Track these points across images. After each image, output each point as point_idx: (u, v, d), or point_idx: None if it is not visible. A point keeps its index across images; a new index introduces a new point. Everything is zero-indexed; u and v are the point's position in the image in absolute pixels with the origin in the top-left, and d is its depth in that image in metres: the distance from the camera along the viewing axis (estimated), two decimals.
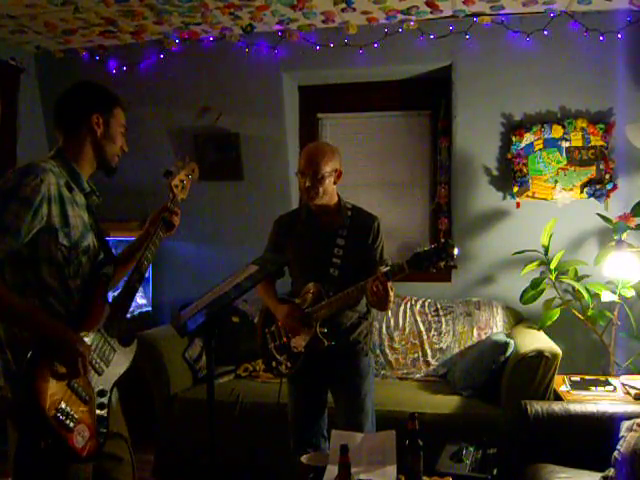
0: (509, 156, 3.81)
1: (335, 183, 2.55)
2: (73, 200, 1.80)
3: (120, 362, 1.90)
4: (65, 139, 1.88)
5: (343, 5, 3.59)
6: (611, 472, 2.18)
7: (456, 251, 2.23)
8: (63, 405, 1.64)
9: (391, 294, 2.30)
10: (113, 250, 2.04)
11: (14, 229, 1.64)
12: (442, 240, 2.30)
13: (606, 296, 3.32)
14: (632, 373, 3.31)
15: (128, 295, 1.92)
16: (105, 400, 1.81)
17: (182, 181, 2.14)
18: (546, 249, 3.54)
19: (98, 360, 1.80)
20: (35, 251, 1.70)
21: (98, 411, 1.77)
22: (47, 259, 1.72)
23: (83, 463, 1.71)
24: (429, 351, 3.66)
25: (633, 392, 2.97)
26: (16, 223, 1.63)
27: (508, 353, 3.23)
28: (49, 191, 1.70)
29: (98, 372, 1.80)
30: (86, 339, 1.74)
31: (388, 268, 2.30)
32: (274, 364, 2.64)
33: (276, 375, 2.68)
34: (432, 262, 2.22)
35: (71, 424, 1.64)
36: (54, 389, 1.64)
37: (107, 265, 1.90)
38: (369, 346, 2.66)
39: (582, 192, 3.73)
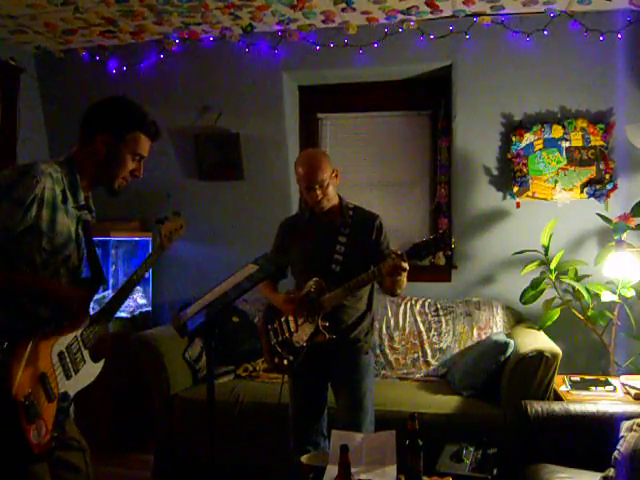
0: (509, 156, 3.81)
1: (334, 183, 2.61)
2: (65, 210, 1.80)
3: (86, 375, 1.90)
4: (78, 148, 1.89)
5: (343, 5, 3.60)
6: (611, 472, 2.18)
7: (453, 241, 2.29)
8: (31, 395, 1.65)
9: (405, 273, 2.33)
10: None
11: (3, 227, 1.66)
12: (440, 231, 2.35)
13: (606, 296, 3.32)
14: (632, 373, 3.30)
15: (109, 313, 1.94)
16: (66, 405, 1.80)
17: (170, 232, 2.13)
18: (546, 249, 3.54)
19: (69, 364, 1.81)
20: (17, 249, 1.72)
21: (58, 414, 1.76)
22: (26, 259, 1.74)
23: (34, 461, 1.69)
24: (429, 351, 3.66)
25: (633, 392, 2.96)
26: (7, 222, 1.66)
27: (508, 353, 3.23)
28: (42, 193, 1.71)
29: (67, 375, 1.80)
30: (65, 340, 1.78)
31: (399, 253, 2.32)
32: (277, 360, 2.65)
33: (278, 371, 2.70)
34: (430, 252, 2.27)
35: (33, 416, 1.64)
36: (26, 379, 1.65)
37: (93, 283, 1.91)
38: (369, 345, 2.67)
39: (582, 192, 3.73)
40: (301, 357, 2.55)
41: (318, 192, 2.55)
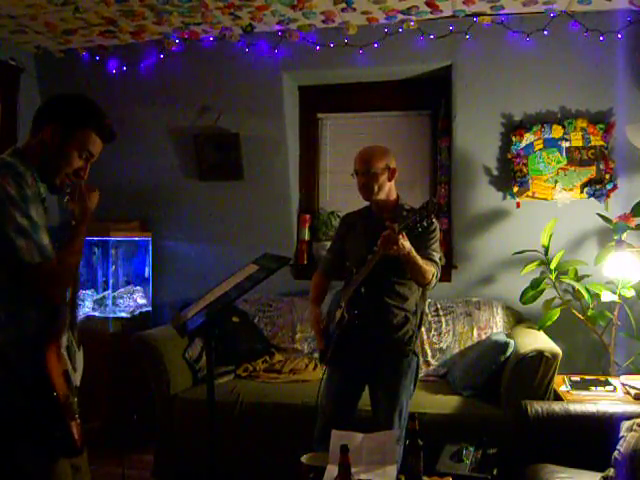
0: (509, 156, 3.81)
1: (390, 180, 2.66)
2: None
3: (80, 364, 1.92)
4: (27, 139, 1.81)
5: (343, 5, 3.60)
6: (611, 472, 2.18)
7: (438, 206, 2.42)
8: (68, 394, 1.69)
9: (402, 242, 2.33)
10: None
11: (35, 224, 1.63)
12: (427, 199, 2.39)
13: (606, 296, 3.32)
14: (632, 373, 3.30)
15: (76, 299, 1.94)
16: (78, 398, 1.82)
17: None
18: (546, 249, 3.54)
19: (72, 357, 1.83)
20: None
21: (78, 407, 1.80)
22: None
23: (78, 455, 1.73)
24: (429, 351, 3.66)
25: (633, 392, 2.96)
26: (34, 219, 1.63)
27: (508, 353, 3.23)
28: (30, 189, 1.67)
29: (74, 368, 1.82)
30: (65, 335, 1.79)
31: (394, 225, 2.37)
32: (319, 348, 2.76)
33: (322, 361, 2.80)
34: (416, 220, 2.33)
35: (73, 414, 1.68)
36: (60, 379, 1.68)
37: None
38: (412, 348, 2.66)
39: (582, 192, 3.73)
40: (333, 342, 2.60)
41: (362, 179, 2.61)
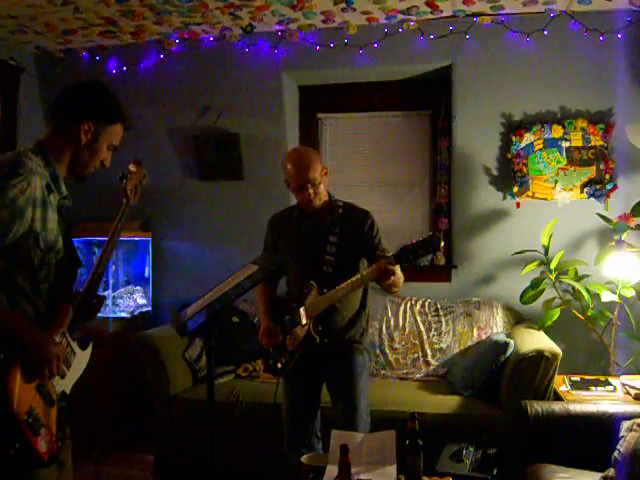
0: (509, 156, 3.81)
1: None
2: (50, 203, 1.73)
3: (78, 366, 1.87)
4: (51, 133, 1.80)
5: (343, 5, 3.60)
6: (611, 472, 2.18)
7: (442, 244, 2.27)
8: (33, 410, 1.61)
9: (398, 272, 2.33)
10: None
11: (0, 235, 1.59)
12: (430, 233, 2.32)
13: (606, 296, 3.32)
14: (632, 373, 3.30)
15: (88, 300, 1.88)
16: (64, 404, 1.78)
17: (135, 186, 2.01)
18: (546, 249, 3.54)
19: (62, 362, 1.77)
20: (13, 254, 1.65)
21: (59, 415, 1.74)
22: (24, 263, 1.67)
23: (45, 467, 1.65)
24: (429, 351, 3.66)
25: (633, 392, 2.96)
26: (1, 228, 1.59)
27: (508, 353, 3.23)
28: (34, 194, 1.65)
29: (62, 375, 1.77)
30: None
31: (388, 255, 2.31)
32: (271, 362, 2.65)
33: (273, 373, 2.70)
34: (418, 255, 2.24)
35: (38, 429, 1.60)
36: (24, 392, 1.60)
37: (72, 269, 1.86)
38: (364, 345, 2.65)
39: (582, 192, 3.73)
40: (293, 361, 2.54)
41: (310, 191, 2.51)
